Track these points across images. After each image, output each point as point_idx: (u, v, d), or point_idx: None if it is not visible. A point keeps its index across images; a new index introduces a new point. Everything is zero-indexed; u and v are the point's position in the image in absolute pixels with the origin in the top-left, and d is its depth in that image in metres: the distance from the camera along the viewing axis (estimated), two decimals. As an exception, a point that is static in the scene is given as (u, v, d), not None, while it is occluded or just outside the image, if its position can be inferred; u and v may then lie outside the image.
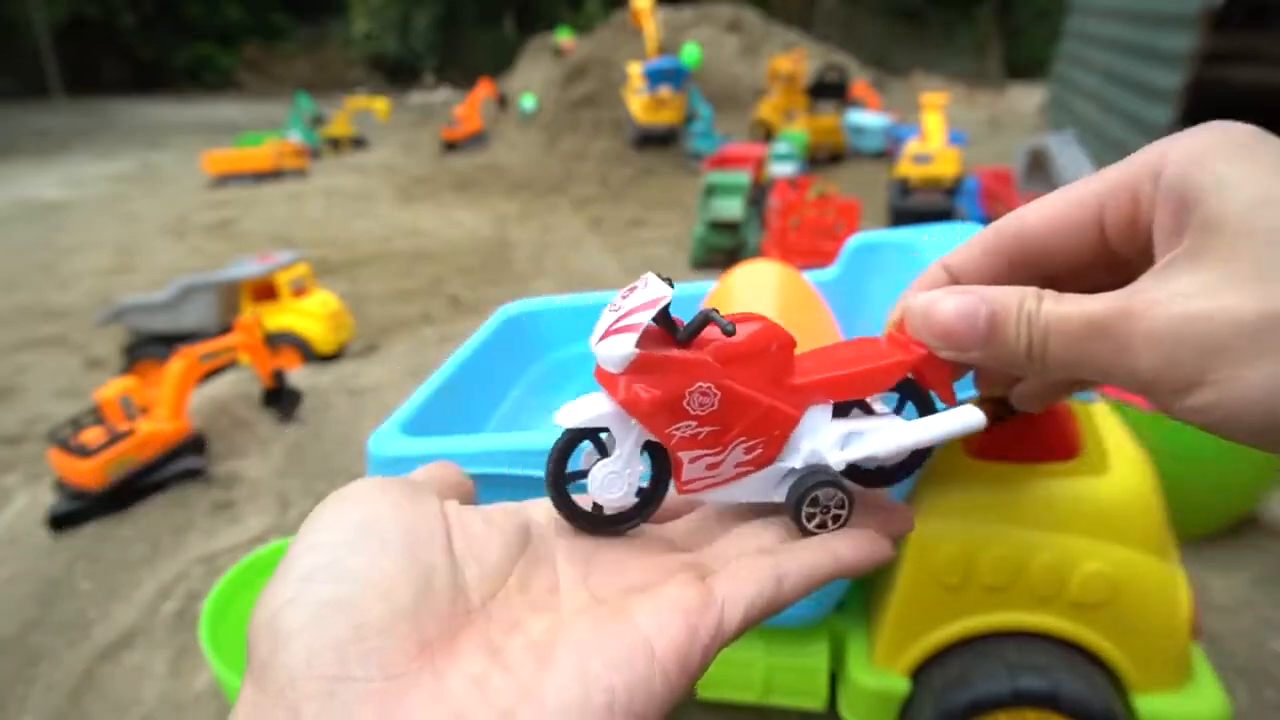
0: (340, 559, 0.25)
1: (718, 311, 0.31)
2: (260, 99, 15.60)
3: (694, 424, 0.31)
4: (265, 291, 3.15)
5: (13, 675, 1.55)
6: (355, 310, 3.63)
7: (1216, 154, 0.23)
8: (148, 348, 3.07)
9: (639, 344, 0.30)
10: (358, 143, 9.07)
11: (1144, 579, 1.05)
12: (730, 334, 0.30)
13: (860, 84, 8.54)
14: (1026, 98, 10.54)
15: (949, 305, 0.29)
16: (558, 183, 6.73)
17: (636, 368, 0.30)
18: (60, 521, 2.01)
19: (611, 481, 0.32)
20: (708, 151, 6.25)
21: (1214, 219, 0.23)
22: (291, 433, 2.45)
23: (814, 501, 0.32)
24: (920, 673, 1.18)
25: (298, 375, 2.80)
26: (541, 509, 0.33)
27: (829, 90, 7.25)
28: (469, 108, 8.33)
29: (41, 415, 2.81)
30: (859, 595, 1.33)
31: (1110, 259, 0.29)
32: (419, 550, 0.26)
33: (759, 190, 4.52)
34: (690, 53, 8.25)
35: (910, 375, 0.33)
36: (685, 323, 0.32)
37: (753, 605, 0.27)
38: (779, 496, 0.33)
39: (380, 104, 9.54)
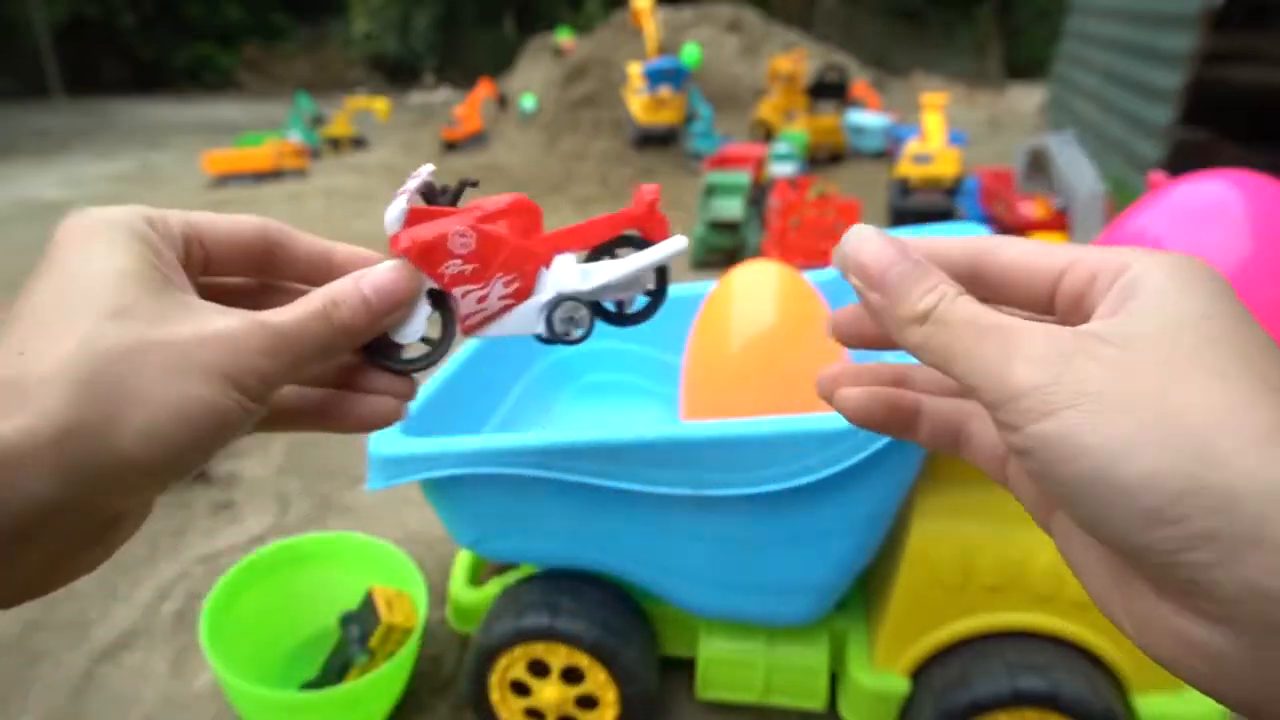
0: None
1: (474, 181, 0.42)
2: (260, 99, 15.59)
3: (459, 262, 0.39)
4: (265, 291, 3.15)
5: (13, 675, 1.55)
6: (355, 310, 3.62)
7: (1173, 273, 0.26)
8: (148, 348, 3.07)
9: (409, 203, 0.38)
10: (358, 143, 9.07)
11: (1144, 579, 1.05)
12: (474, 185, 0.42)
13: (860, 84, 8.53)
14: (1026, 98, 10.53)
15: (879, 243, 0.30)
16: (558, 183, 6.72)
17: (409, 221, 0.38)
18: (60, 521, 2.00)
19: (403, 322, 0.38)
20: (708, 151, 6.25)
21: (1148, 312, 0.25)
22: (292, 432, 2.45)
23: (564, 321, 0.42)
24: (920, 673, 1.18)
25: (298, 375, 2.80)
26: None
27: (829, 90, 7.24)
28: (469, 108, 8.32)
29: (41, 415, 2.81)
30: (859, 595, 1.33)
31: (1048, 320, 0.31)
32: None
33: (759, 190, 4.52)
34: (690, 53, 8.24)
35: (637, 231, 0.44)
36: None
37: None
38: (541, 328, 0.43)
39: (380, 104, 9.53)
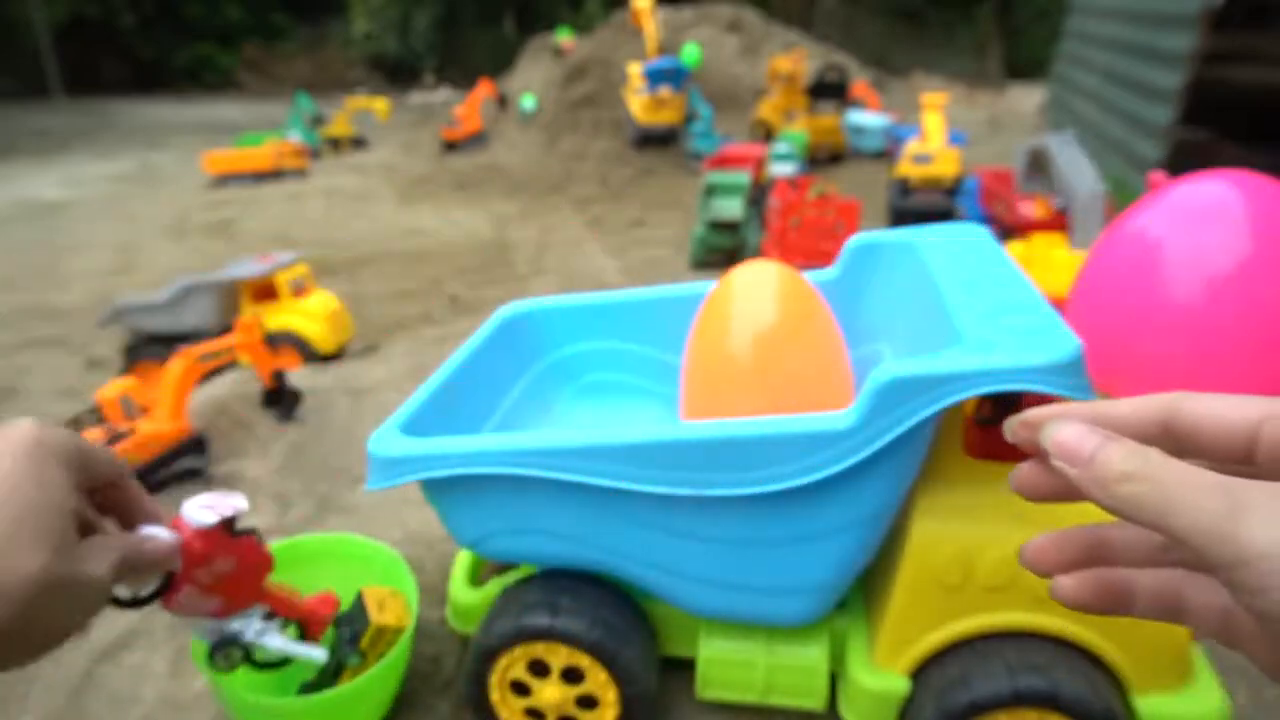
0: None
1: (257, 533, 0.74)
2: (260, 99, 15.59)
3: (207, 573, 0.64)
4: (265, 291, 3.15)
5: (13, 675, 1.55)
6: (355, 310, 3.63)
7: None
8: (148, 348, 3.07)
9: (215, 523, 0.65)
10: (358, 143, 9.08)
11: (1144, 579, 1.04)
12: (259, 542, 0.75)
13: (860, 84, 8.53)
14: (1026, 98, 10.54)
15: (1074, 426, 0.31)
16: (558, 183, 6.73)
17: (204, 533, 0.62)
18: (60, 521, 2.00)
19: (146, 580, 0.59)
20: (708, 151, 6.25)
21: None
22: (291, 433, 2.45)
23: (224, 653, 0.78)
24: (920, 673, 1.18)
25: (298, 375, 2.80)
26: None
27: (829, 90, 7.24)
28: (469, 108, 8.32)
29: (42, 415, 2.81)
30: (859, 595, 1.33)
31: (1246, 472, 0.30)
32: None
33: (759, 190, 4.52)
34: (690, 53, 8.24)
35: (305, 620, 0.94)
36: (248, 530, 0.73)
37: None
38: (210, 641, 0.76)
39: (380, 104, 9.53)
